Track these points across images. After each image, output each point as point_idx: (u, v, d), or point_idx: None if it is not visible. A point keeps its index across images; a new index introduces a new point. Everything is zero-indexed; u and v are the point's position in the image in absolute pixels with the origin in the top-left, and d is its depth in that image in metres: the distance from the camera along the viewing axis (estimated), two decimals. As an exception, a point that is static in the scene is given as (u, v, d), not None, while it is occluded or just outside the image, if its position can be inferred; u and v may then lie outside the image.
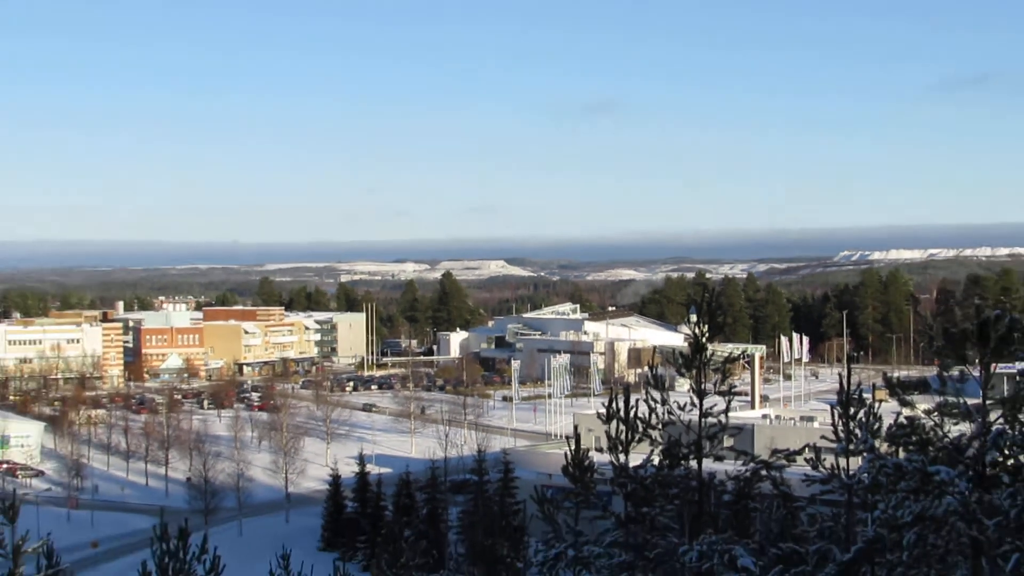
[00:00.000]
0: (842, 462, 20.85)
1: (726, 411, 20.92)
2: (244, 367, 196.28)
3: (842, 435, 21.01)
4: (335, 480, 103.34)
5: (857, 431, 21.05)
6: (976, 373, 17.57)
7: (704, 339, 21.48)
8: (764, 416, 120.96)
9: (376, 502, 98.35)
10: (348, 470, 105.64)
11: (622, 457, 21.73)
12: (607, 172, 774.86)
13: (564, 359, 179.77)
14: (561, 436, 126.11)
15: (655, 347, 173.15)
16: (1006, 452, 17.55)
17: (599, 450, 23.35)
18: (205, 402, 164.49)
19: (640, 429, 22.01)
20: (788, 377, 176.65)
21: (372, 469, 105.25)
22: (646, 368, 24.93)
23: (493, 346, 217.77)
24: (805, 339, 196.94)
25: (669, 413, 21.60)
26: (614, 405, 22.32)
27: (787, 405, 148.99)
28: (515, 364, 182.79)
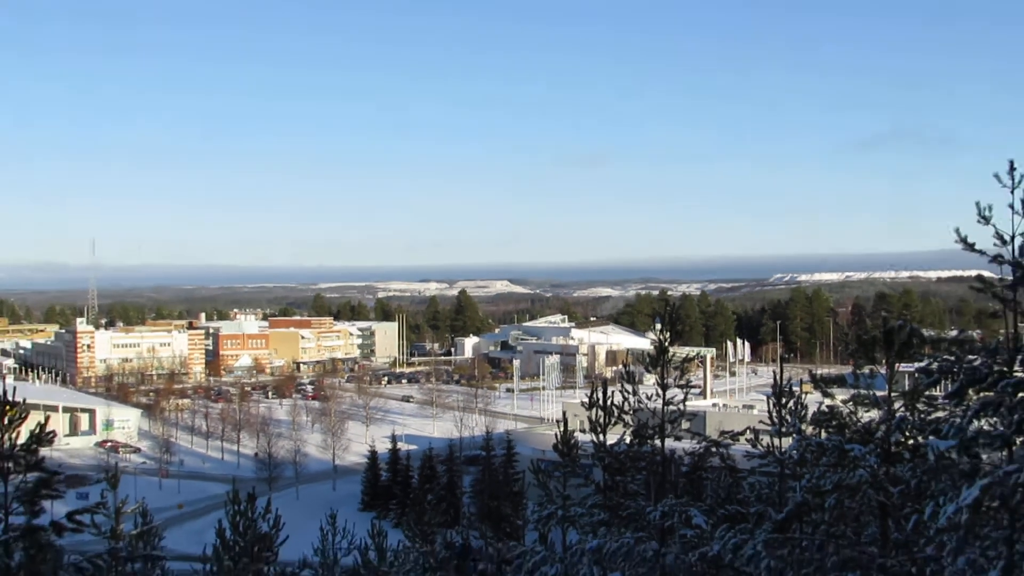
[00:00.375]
0: (776, 441, 21.04)
1: (683, 400, 20.99)
2: (301, 365, 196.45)
3: (776, 420, 21.21)
4: (372, 455, 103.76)
5: (787, 417, 21.28)
6: (883, 371, 17.78)
7: (666, 343, 21.62)
8: (714, 405, 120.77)
9: (405, 472, 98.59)
10: (383, 447, 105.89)
11: (601, 437, 21.87)
12: (591, 210, 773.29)
13: (555, 359, 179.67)
14: (552, 420, 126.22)
15: (628, 350, 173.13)
16: (907, 434, 17.72)
17: (583, 431, 23.54)
18: (269, 393, 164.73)
19: (615, 414, 22.17)
20: (733, 374, 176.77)
21: (402, 446, 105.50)
22: (620, 366, 25.18)
23: (499, 348, 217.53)
24: (746, 344, 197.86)
25: (638, 402, 21.65)
26: (594, 396, 22.48)
27: (732, 396, 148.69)
28: (516, 363, 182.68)
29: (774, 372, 23.80)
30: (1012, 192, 12.79)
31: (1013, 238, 12.77)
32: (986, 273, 13.16)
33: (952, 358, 13.97)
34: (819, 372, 28.28)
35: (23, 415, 18.58)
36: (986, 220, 12.93)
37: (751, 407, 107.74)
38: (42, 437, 18.64)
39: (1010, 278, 13.18)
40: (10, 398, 18.30)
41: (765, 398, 25.32)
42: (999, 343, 13.54)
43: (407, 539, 36.89)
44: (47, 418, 20.16)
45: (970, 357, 13.56)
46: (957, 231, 12.82)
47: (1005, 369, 12.66)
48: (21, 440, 18.09)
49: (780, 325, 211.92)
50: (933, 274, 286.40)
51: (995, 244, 12.83)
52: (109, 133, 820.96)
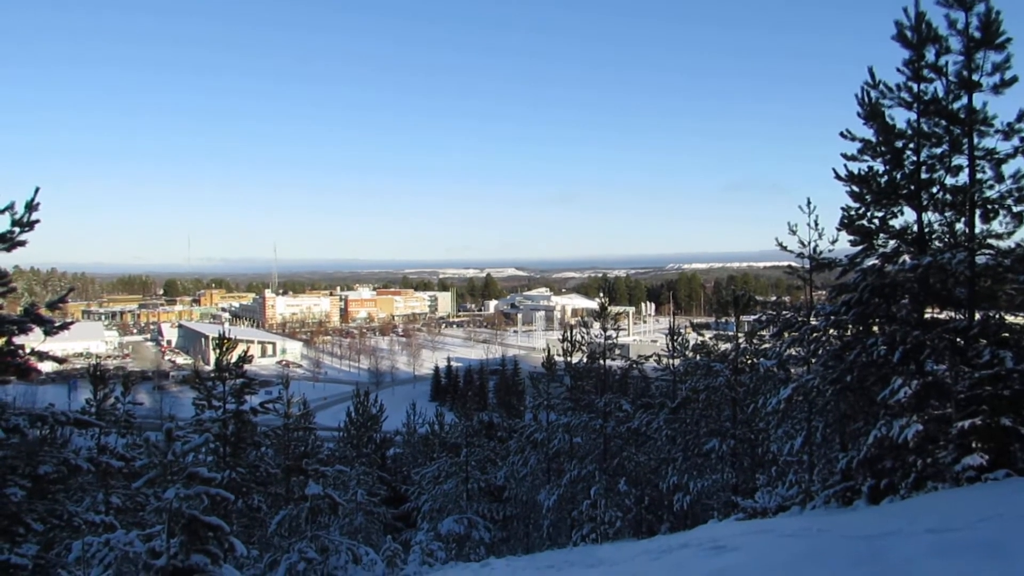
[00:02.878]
0: (671, 361, 20.92)
1: (616, 337, 20.94)
2: (395, 317, 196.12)
3: (670, 348, 21.09)
4: (436, 369, 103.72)
5: (677, 346, 21.16)
6: (732, 320, 17.72)
7: (606, 304, 21.49)
8: (634, 340, 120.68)
9: (455, 378, 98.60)
10: (442, 364, 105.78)
11: (569, 358, 21.76)
12: (565, 225, 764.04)
13: (542, 314, 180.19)
14: (540, 349, 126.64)
15: (584, 308, 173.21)
16: (746, 357, 17.66)
17: (558, 355, 23.43)
18: (376, 333, 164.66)
19: (576, 345, 22.03)
20: (645, 323, 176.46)
21: (454, 364, 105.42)
22: (579, 318, 25.01)
23: (510, 308, 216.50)
24: (652, 305, 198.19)
25: (590, 338, 21.59)
26: (566, 335, 22.35)
27: (643, 335, 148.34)
28: (519, 316, 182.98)
29: (669, 322, 23.62)
30: (809, 216, 12.64)
31: (810, 243, 12.65)
32: (794, 263, 13.01)
33: (774, 313, 13.85)
34: (695, 321, 28.08)
35: (234, 345, 18.54)
36: (793, 232, 12.80)
37: (655, 341, 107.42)
38: (244, 358, 18.59)
39: (807, 266, 13.05)
40: (227, 335, 18.29)
41: (664, 336, 25.19)
42: (801, 304, 13.45)
43: (456, 417, 36.93)
44: (248, 347, 20.05)
45: (784, 312, 13.45)
46: (776, 239, 12.69)
47: (804, 319, 12.57)
48: (233, 359, 18.07)
49: (672, 294, 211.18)
50: (761, 264, 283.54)
51: (799, 246, 12.73)
52: (289, 159, 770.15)
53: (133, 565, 6.29)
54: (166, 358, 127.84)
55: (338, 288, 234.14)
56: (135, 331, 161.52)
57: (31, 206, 10.98)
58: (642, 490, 17.22)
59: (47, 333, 10.99)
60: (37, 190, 11.14)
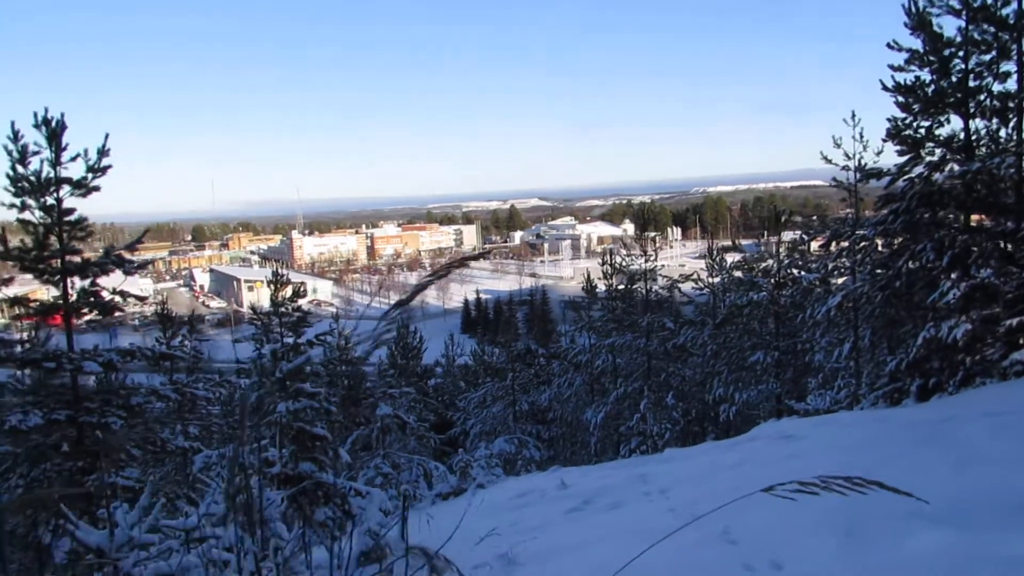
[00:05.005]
0: (710, 279, 21.29)
1: (655, 257, 21.30)
2: (421, 252, 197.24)
3: (709, 266, 21.43)
4: (466, 301, 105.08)
5: (716, 264, 21.48)
6: (761, 240, 18.05)
7: (646, 226, 21.70)
8: (661, 264, 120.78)
9: (484, 310, 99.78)
10: (471, 297, 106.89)
11: (611, 280, 22.14)
12: (587, 152, 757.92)
13: (568, 242, 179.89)
14: (567, 278, 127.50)
15: (610, 235, 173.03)
16: (788, 272, 17.98)
17: (594, 280, 23.85)
18: (404, 268, 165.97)
19: (616, 269, 22.39)
20: (671, 247, 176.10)
21: (483, 296, 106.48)
22: (607, 245, 25.13)
23: (535, 238, 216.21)
24: (678, 229, 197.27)
25: (628, 262, 21.92)
26: (605, 260, 22.69)
27: (671, 259, 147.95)
28: (545, 246, 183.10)
29: (708, 243, 23.86)
30: (853, 128, 12.79)
31: (855, 155, 12.83)
32: (837, 177, 13.19)
33: (820, 226, 14.11)
34: (723, 244, 28.12)
35: (286, 281, 19.29)
36: (838, 146, 12.97)
37: (683, 265, 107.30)
38: (298, 292, 19.34)
39: (851, 180, 13.25)
40: (281, 273, 18.98)
41: (691, 260, 25.44)
42: (847, 216, 13.69)
43: (489, 347, 37.72)
44: (302, 287, 20.68)
45: (832, 225, 13.72)
46: (822, 153, 12.88)
47: (851, 230, 12.85)
48: (288, 294, 18.80)
49: (698, 218, 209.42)
50: (788, 184, 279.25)
51: (844, 158, 12.90)
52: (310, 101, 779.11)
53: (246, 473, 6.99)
54: (200, 302, 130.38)
55: (363, 226, 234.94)
56: (167, 278, 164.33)
57: (103, 152, 11.51)
58: (688, 404, 17.84)
59: (127, 273, 11.64)
60: (107, 136, 11.64)
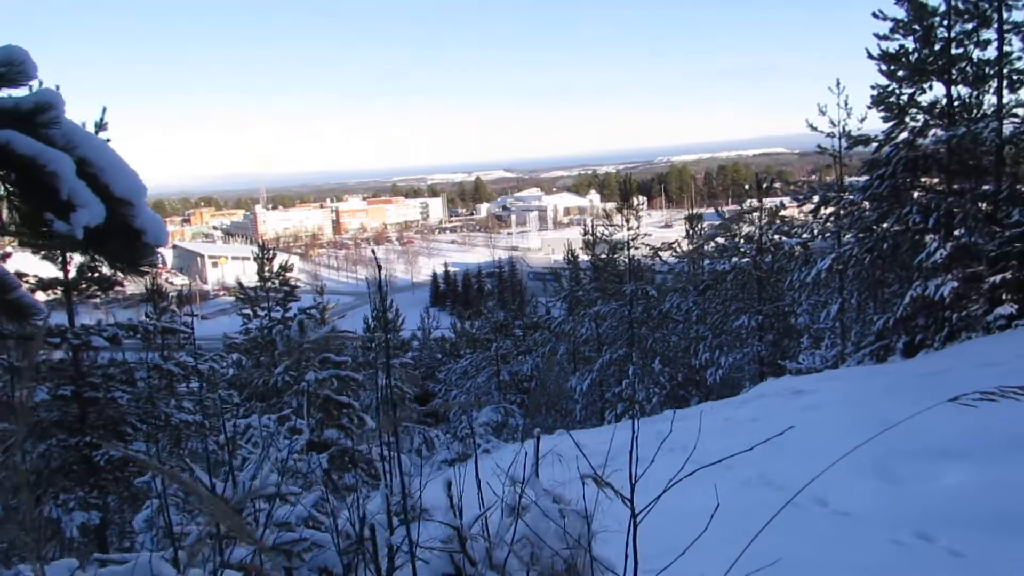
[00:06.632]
0: (689, 247, 21.62)
1: (628, 227, 21.52)
2: (387, 225, 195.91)
3: (689, 233, 21.73)
4: (434, 274, 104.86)
5: (695, 233, 21.81)
6: (755, 203, 18.35)
7: (627, 201, 21.91)
8: (629, 233, 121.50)
9: (453, 283, 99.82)
10: (440, 269, 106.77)
11: (592, 250, 22.32)
12: (552, 122, 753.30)
13: (534, 214, 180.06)
14: (534, 249, 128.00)
15: (576, 207, 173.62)
16: (770, 237, 18.38)
17: (551, 253, 24.02)
18: (371, 242, 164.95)
19: (596, 239, 22.56)
20: (639, 217, 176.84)
21: (450, 269, 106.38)
22: (572, 216, 25.14)
23: (501, 210, 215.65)
24: (644, 198, 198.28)
25: (609, 232, 22.08)
26: (586, 230, 22.82)
27: (637, 229, 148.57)
28: (512, 217, 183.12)
29: (687, 213, 24.10)
30: (838, 96, 13.14)
31: (839, 122, 13.20)
32: (823, 144, 13.57)
33: (807, 190, 14.47)
34: (690, 213, 28.53)
35: (273, 256, 19.28)
36: (823, 113, 13.30)
37: (649, 235, 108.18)
38: (285, 267, 19.37)
39: (835, 147, 13.64)
40: (267, 248, 18.96)
41: (658, 228, 25.70)
42: (832, 182, 14.10)
43: (466, 319, 38.12)
44: (287, 261, 20.67)
45: (819, 189, 14.09)
46: (807, 121, 13.19)
47: (837, 194, 13.25)
48: (275, 269, 18.81)
49: (663, 187, 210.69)
50: (750, 152, 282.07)
51: (829, 125, 13.25)
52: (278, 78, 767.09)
53: (274, 440, 7.17)
54: (163, 279, 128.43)
55: (328, 200, 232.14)
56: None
57: (100, 125, 11.45)
58: (675, 368, 18.24)
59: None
60: (104, 109, 11.58)
